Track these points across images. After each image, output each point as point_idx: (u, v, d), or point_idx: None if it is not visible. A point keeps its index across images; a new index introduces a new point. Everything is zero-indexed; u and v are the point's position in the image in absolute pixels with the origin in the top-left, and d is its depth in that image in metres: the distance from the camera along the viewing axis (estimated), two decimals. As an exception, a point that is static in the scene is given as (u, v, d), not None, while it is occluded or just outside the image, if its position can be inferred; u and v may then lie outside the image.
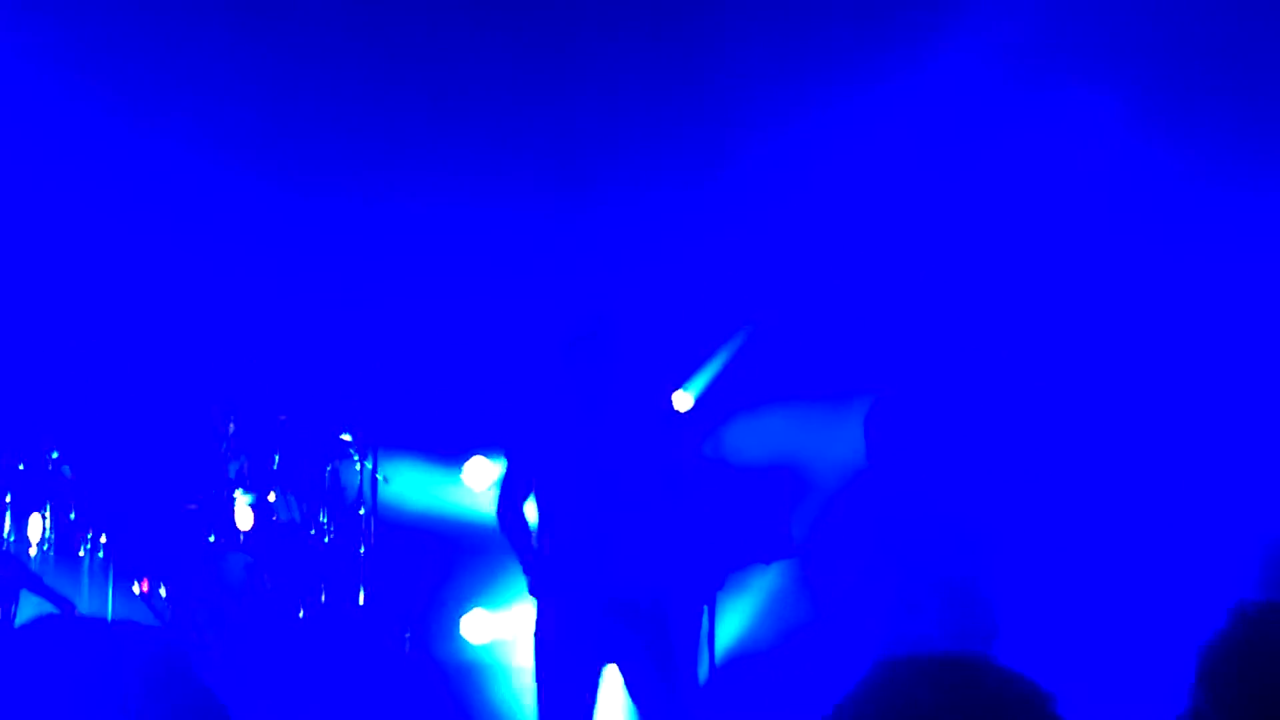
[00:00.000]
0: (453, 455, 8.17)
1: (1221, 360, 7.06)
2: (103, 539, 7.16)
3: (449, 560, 8.06)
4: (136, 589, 7.05)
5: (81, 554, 7.15)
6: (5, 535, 7.02)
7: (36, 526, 7.10)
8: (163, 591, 7.07)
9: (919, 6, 7.13)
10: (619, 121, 7.91)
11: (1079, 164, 7.13)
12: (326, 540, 7.53)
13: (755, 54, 7.44)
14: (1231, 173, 6.97)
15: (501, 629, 7.83)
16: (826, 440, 7.78)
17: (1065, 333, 7.41)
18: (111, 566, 7.13)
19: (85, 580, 7.07)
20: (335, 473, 7.72)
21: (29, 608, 6.54)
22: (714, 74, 7.58)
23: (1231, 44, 6.76)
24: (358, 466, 7.67)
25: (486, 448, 8.07)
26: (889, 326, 7.70)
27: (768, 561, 6.99)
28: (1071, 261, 7.31)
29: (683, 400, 8.04)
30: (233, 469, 7.38)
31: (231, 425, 7.46)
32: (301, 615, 7.33)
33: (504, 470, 5.80)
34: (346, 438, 7.72)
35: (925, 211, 7.50)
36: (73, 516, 7.22)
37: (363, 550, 7.59)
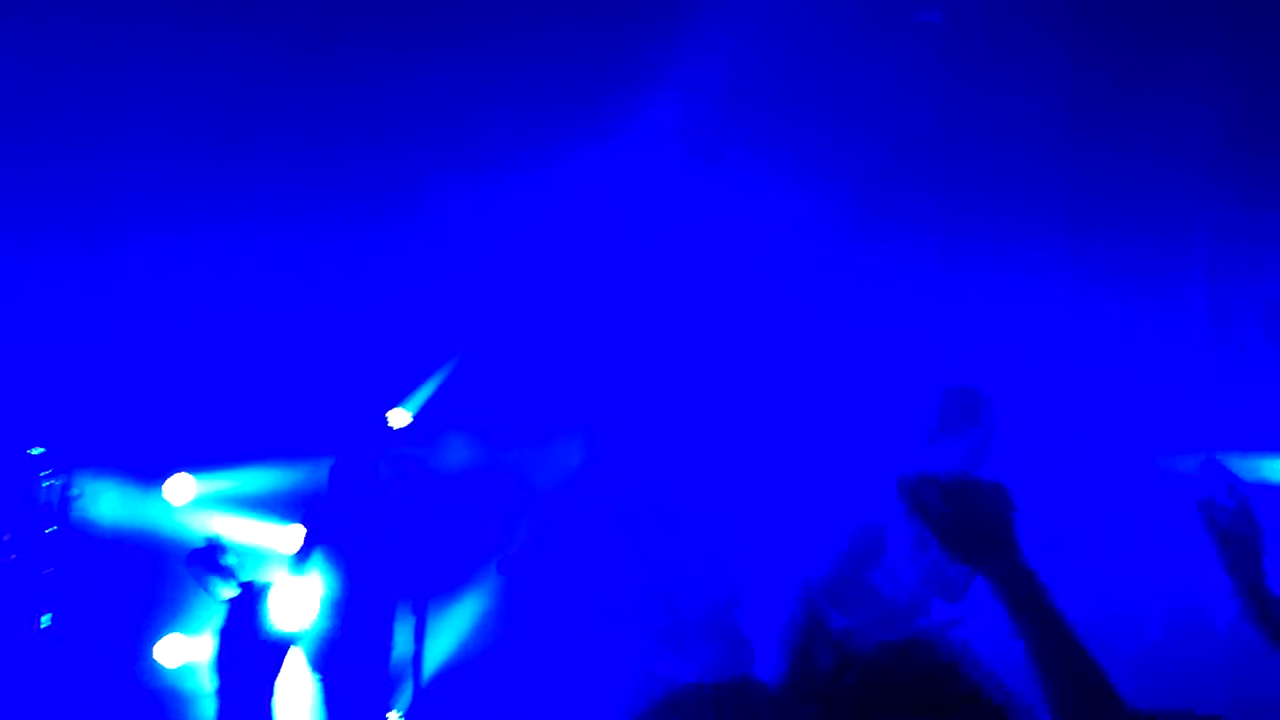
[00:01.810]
0: (154, 472, 7.88)
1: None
2: None
3: (149, 580, 7.76)
4: None
5: None
6: None
7: None
8: None
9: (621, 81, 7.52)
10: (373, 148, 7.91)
11: (743, 237, 7.65)
12: (12, 559, 7.19)
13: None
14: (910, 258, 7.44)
15: (196, 653, 7.57)
16: (537, 457, 7.91)
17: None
18: None
19: None
20: (24, 488, 7.39)
21: None
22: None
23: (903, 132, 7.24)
24: (49, 483, 7.35)
25: (189, 463, 7.83)
26: (593, 357, 7.92)
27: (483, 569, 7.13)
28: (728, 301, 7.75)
29: (400, 417, 7.99)
30: None
31: None
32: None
33: None
34: (37, 451, 7.40)
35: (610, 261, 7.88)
36: None
37: (50, 571, 7.27)
